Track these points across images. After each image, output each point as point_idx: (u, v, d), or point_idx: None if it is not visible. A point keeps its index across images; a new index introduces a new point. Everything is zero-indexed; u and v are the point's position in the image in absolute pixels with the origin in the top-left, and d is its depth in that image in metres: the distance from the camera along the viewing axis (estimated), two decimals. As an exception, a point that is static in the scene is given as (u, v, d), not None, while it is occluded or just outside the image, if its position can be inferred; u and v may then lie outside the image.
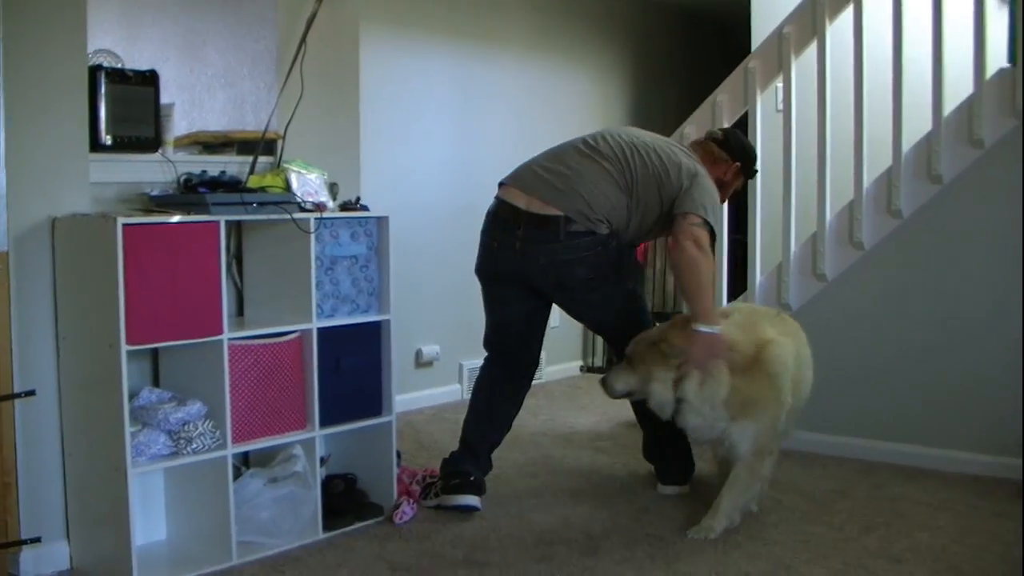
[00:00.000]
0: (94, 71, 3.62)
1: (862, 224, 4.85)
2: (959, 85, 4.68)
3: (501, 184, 4.27)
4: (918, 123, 4.75)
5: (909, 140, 4.76)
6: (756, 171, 4.58)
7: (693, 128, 5.36)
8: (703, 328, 3.87)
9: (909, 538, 3.87)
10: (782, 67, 5.13)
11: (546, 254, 4.07)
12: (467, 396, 5.78)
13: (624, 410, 5.61)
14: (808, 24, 5.04)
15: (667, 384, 3.92)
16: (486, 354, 4.46)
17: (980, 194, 4.60)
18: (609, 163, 4.10)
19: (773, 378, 3.91)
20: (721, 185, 4.30)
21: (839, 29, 5.00)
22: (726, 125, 5.25)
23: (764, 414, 3.93)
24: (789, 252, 5.08)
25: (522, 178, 4.19)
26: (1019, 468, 4.38)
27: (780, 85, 5.23)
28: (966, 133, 4.61)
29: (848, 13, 4.91)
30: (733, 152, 4.36)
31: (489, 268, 4.31)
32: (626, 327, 4.19)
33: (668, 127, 6.12)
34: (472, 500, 4.20)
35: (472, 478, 4.23)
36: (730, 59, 5.74)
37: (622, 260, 4.26)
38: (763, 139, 5.16)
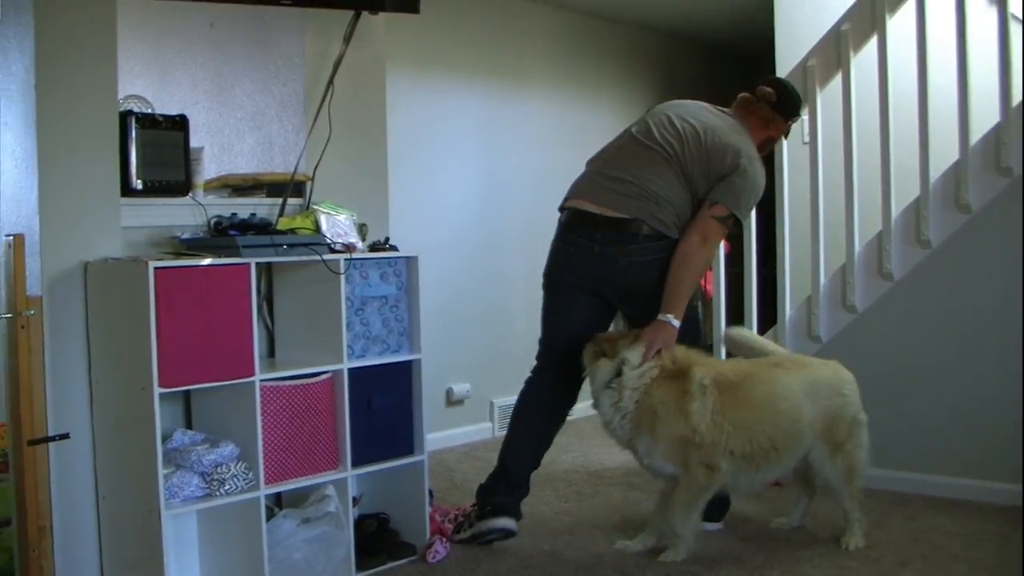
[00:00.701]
0: (125, 116, 3.66)
1: (891, 255, 4.84)
2: (986, 114, 4.68)
3: (567, 198, 4.27)
4: (945, 152, 4.74)
5: (937, 169, 4.75)
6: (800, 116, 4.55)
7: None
8: (668, 318, 4.00)
9: (947, 571, 3.83)
10: (807, 99, 5.13)
11: (626, 255, 4.08)
12: (499, 434, 6.02)
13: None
14: (832, 56, 5.04)
15: (609, 368, 4.01)
16: (534, 366, 4.40)
17: (1009, 223, 4.57)
18: (669, 162, 4.11)
19: (684, 397, 3.91)
20: (769, 141, 4.39)
21: (864, 60, 5.01)
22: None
23: (666, 431, 3.91)
24: (818, 284, 5.07)
25: (590, 191, 4.20)
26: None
27: (806, 117, 5.23)
28: (993, 162, 4.59)
29: (872, 44, 4.92)
30: (786, 112, 4.36)
31: (562, 272, 4.25)
32: (681, 339, 4.10)
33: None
34: (509, 523, 4.17)
35: (508, 502, 4.23)
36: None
37: None
38: (790, 171, 5.17)
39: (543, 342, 4.37)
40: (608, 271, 4.12)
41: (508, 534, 4.19)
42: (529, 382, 4.42)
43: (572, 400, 4.42)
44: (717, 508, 4.35)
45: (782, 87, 4.40)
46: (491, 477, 4.35)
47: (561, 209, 4.30)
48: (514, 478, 4.30)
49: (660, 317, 4.01)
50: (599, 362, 4.03)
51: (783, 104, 4.34)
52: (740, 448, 3.92)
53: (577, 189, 4.26)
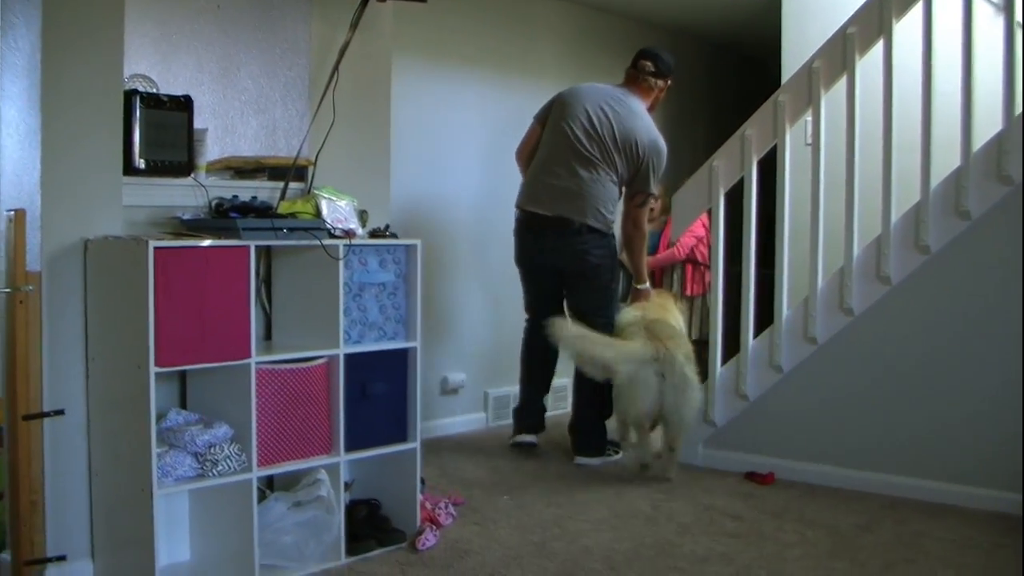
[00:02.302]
0: (129, 95, 3.66)
1: (889, 259, 4.85)
2: (989, 121, 4.68)
3: (521, 201, 5.53)
4: (947, 158, 4.74)
5: (938, 175, 4.76)
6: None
7: (722, 163, 5.37)
8: (640, 286, 5.68)
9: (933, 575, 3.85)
10: (812, 101, 5.13)
11: (569, 246, 5.35)
12: (493, 424, 6.44)
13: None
14: (838, 59, 5.04)
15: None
16: (527, 318, 5.74)
17: (1009, 230, 4.58)
18: (597, 165, 5.34)
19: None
20: (656, 101, 5.67)
21: (869, 64, 5.01)
22: (755, 159, 5.27)
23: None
24: (816, 286, 5.07)
25: (538, 195, 5.43)
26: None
27: (809, 119, 5.24)
28: (995, 169, 4.60)
29: (878, 48, 4.92)
30: (665, 75, 5.61)
31: (526, 260, 5.61)
32: (599, 311, 5.43)
33: (697, 160, 6.16)
34: (530, 438, 5.74)
35: (529, 424, 5.76)
36: (760, 92, 5.75)
37: (617, 259, 5.61)
38: (792, 172, 5.17)
39: (526, 300, 5.73)
40: (557, 258, 5.42)
41: (531, 446, 5.69)
42: (524, 331, 5.77)
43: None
44: (597, 445, 5.59)
45: (655, 56, 5.61)
46: (515, 407, 5.92)
47: (517, 208, 5.55)
48: (527, 404, 5.78)
49: (636, 286, 5.69)
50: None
51: (660, 70, 5.59)
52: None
53: (527, 193, 5.52)
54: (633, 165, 5.39)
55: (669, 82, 5.66)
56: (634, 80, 5.59)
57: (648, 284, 5.70)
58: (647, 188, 5.45)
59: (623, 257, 5.84)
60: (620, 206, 5.63)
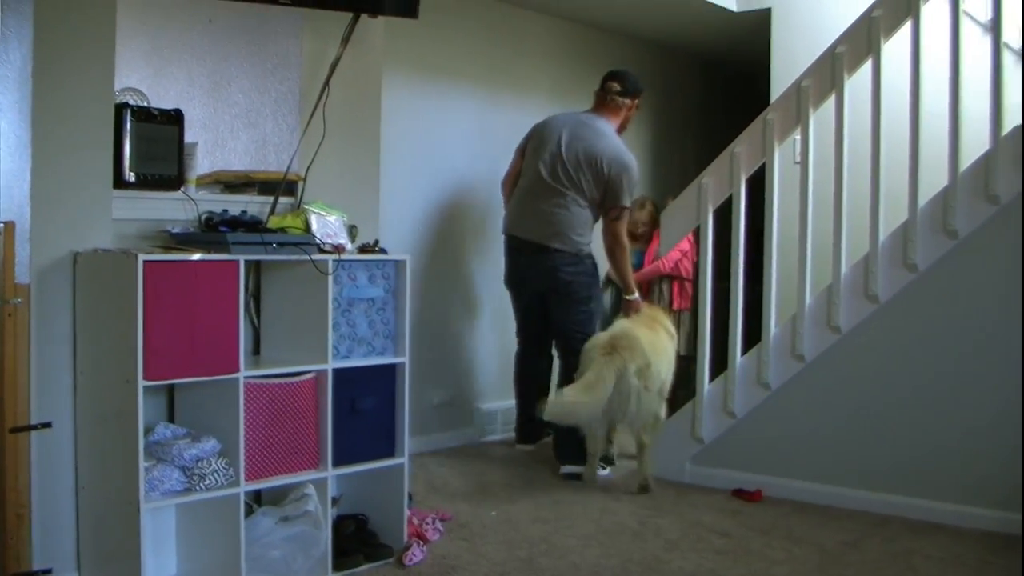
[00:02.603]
0: (120, 109, 3.66)
1: (877, 277, 4.86)
2: (976, 141, 4.71)
3: (507, 227, 5.89)
4: (935, 177, 4.76)
5: (926, 194, 4.78)
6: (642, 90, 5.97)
7: (711, 180, 5.39)
8: (629, 297, 5.86)
9: (920, 593, 3.86)
10: (800, 120, 5.16)
11: (547, 268, 5.65)
12: (481, 439, 6.47)
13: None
14: (827, 77, 5.07)
15: None
16: (518, 342, 6.07)
17: (995, 249, 4.60)
18: (566, 194, 5.63)
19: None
20: (627, 120, 5.92)
21: (857, 83, 5.04)
22: (743, 176, 5.29)
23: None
24: (804, 303, 5.09)
25: (520, 223, 5.79)
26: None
27: (798, 137, 5.26)
28: (982, 189, 4.62)
29: (867, 68, 4.95)
30: (632, 94, 5.86)
31: (514, 280, 5.93)
32: (579, 329, 5.62)
33: (687, 176, 6.18)
34: (528, 447, 6.11)
35: (528, 432, 6.13)
36: (749, 109, 5.78)
37: (596, 279, 5.85)
38: (780, 191, 5.19)
39: (518, 323, 6.04)
40: (535, 276, 5.74)
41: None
42: (515, 356, 6.08)
43: (548, 358, 6.03)
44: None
45: (621, 77, 5.87)
46: (518, 420, 6.20)
47: (503, 232, 5.91)
48: (523, 418, 6.07)
49: (625, 297, 5.88)
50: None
51: (627, 89, 5.84)
52: None
53: (511, 220, 5.86)
54: (601, 184, 5.62)
55: (637, 101, 5.92)
56: (602, 102, 5.85)
57: (637, 295, 5.90)
58: (618, 202, 5.66)
59: (611, 272, 6.04)
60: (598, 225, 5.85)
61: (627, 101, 5.84)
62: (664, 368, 5.34)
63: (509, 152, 5.85)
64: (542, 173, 5.67)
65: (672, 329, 5.74)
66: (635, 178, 5.74)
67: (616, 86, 5.81)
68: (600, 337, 5.31)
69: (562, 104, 6.47)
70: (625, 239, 5.79)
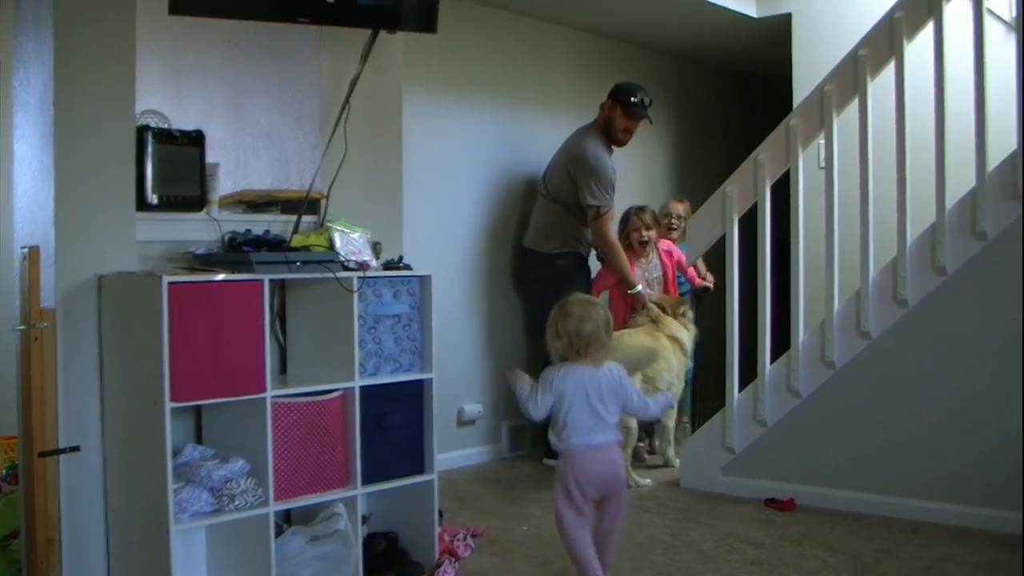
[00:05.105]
0: (141, 131, 3.68)
1: (906, 281, 4.82)
2: (1003, 141, 4.66)
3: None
4: (962, 179, 4.72)
5: (953, 196, 4.73)
6: (635, 103, 6.10)
7: (735, 187, 5.36)
8: (630, 291, 6.05)
9: (959, 600, 3.81)
10: (824, 124, 5.12)
11: (538, 265, 6.17)
12: (510, 455, 6.38)
13: (670, 471, 5.61)
14: (849, 81, 5.04)
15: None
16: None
17: (1026, 251, 4.56)
18: (550, 203, 6.11)
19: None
20: (610, 125, 6.13)
21: (881, 86, 5.00)
22: (768, 183, 5.27)
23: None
24: (832, 309, 5.05)
25: (528, 231, 6.30)
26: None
27: (822, 142, 5.22)
28: (1010, 189, 4.57)
29: (889, 70, 4.92)
30: (611, 97, 6.14)
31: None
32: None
33: (711, 185, 6.14)
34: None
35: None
36: (772, 117, 5.75)
37: (571, 276, 5.99)
38: (805, 196, 5.16)
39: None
40: (538, 272, 6.18)
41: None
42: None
43: None
44: None
45: (614, 86, 6.20)
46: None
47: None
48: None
49: (628, 291, 6.03)
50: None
51: (610, 94, 6.15)
52: None
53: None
54: (571, 181, 6.01)
55: (616, 103, 6.12)
56: (599, 114, 6.25)
57: (639, 288, 6.07)
58: (585, 200, 5.96)
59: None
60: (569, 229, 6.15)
61: (607, 103, 6.15)
62: (667, 372, 5.61)
63: (531, 165, 5.87)
64: (539, 187, 6.24)
65: (679, 332, 5.87)
66: (602, 177, 5.97)
67: (608, 97, 6.18)
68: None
69: (584, 117, 6.45)
70: (611, 236, 6.09)
